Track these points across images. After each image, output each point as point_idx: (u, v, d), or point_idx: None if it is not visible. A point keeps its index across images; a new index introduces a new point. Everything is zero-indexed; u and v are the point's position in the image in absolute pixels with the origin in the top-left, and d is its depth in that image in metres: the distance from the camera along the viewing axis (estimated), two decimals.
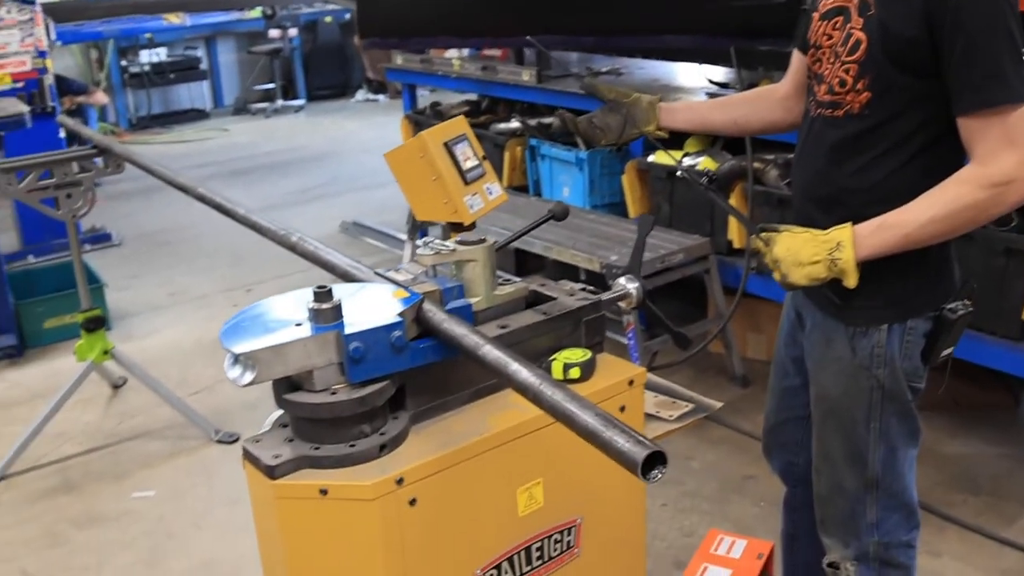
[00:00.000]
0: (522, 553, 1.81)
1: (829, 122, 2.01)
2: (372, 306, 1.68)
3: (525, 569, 1.83)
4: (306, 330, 1.60)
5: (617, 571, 2.01)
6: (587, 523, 1.90)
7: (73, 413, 4.27)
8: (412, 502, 1.63)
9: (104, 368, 4.36)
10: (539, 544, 1.84)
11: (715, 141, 4.24)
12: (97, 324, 4.04)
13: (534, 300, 2.02)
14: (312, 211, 7.65)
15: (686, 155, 4.16)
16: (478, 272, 1.86)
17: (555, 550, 1.87)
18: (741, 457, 3.60)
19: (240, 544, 3.11)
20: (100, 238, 7.32)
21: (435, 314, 1.64)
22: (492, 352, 1.48)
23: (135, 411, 4.36)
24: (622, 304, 2.14)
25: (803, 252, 1.91)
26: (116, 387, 4.57)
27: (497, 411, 1.78)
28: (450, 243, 1.86)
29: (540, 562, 1.85)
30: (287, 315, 1.67)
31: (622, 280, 2.12)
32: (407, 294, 1.71)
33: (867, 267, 1.94)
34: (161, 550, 3.31)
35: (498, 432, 1.72)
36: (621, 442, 1.21)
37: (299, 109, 12.28)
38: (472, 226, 2.44)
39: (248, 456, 1.67)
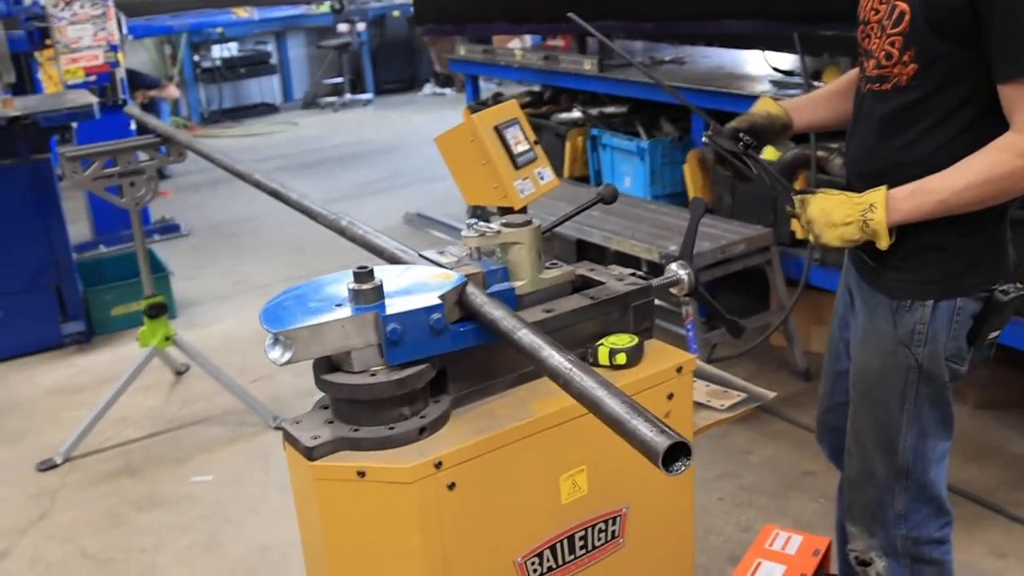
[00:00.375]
0: (565, 542, 1.78)
1: (878, 96, 1.99)
2: (414, 288, 1.66)
3: (568, 558, 1.80)
4: (345, 311, 1.59)
5: (664, 563, 1.97)
6: (633, 513, 1.86)
7: (136, 398, 4.35)
8: (451, 486, 1.61)
9: (167, 355, 4.43)
10: (583, 533, 1.80)
11: None
12: (159, 311, 4.10)
13: (582, 285, 1.99)
14: (377, 203, 7.69)
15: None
16: (523, 255, 1.83)
17: (599, 540, 1.83)
18: (801, 452, 3.51)
19: (295, 529, 3.13)
20: (169, 228, 7.46)
21: (476, 297, 1.61)
22: (527, 336, 1.45)
23: (196, 397, 4.42)
24: (674, 291, 2.10)
25: (836, 213, 1.90)
26: (179, 373, 4.65)
27: (541, 396, 1.75)
28: (495, 225, 1.83)
29: (584, 551, 1.81)
30: (329, 296, 1.66)
31: (674, 266, 2.07)
32: (451, 277, 1.69)
33: (915, 240, 1.92)
34: (219, 534, 3.35)
35: (541, 417, 1.69)
36: (644, 431, 1.18)
37: (367, 103, 12.37)
38: (523, 211, 2.41)
39: (288, 437, 1.67)
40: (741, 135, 2.17)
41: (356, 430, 1.63)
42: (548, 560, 1.77)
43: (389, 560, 1.64)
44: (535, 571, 1.76)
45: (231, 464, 3.83)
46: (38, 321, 5.06)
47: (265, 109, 12.14)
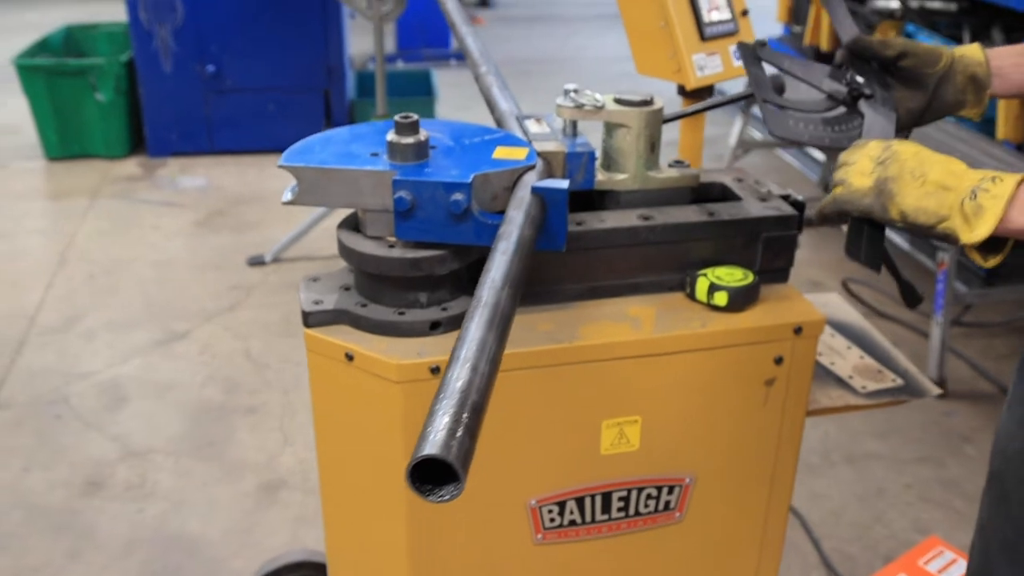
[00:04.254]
0: (598, 497, 1.47)
1: None
2: (472, 159, 1.35)
3: (600, 517, 1.48)
4: (364, 162, 1.32)
5: (734, 556, 1.60)
6: (700, 488, 1.51)
7: None
8: None
9: None
10: (623, 493, 1.48)
11: None
12: None
13: (718, 196, 1.59)
14: None
15: None
16: (629, 142, 1.46)
17: (646, 506, 1.50)
18: None
19: None
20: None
21: (520, 189, 1.28)
22: (499, 254, 1.10)
23: None
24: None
25: (936, 169, 1.16)
26: None
27: (602, 319, 1.41)
28: (602, 97, 1.46)
29: (622, 514, 1.49)
30: (373, 143, 1.39)
31: None
32: (522, 155, 1.36)
33: None
34: None
35: (588, 345, 1.36)
36: (435, 422, 0.83)
37: None
38: (706, 93, 2.00)
39: (300, 294, 1.45)
40: (847, 70, 1.37)
41: (364, 305, 1.39)
42: (572, 512, 1.47)
43: (372, 455, 1.42)
44: (552, 521, 1.47)
45: None
46: (303, 121, 5.18)
47: None
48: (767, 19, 6.57)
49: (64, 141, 5.06)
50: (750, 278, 1.44)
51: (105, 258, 4.03)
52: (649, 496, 1.50)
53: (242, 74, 5.04)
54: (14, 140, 5.38)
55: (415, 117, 1.33)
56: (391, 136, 1.33)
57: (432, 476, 0.80)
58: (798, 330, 1.44)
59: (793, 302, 1.48)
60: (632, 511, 1.49)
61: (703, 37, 1.87)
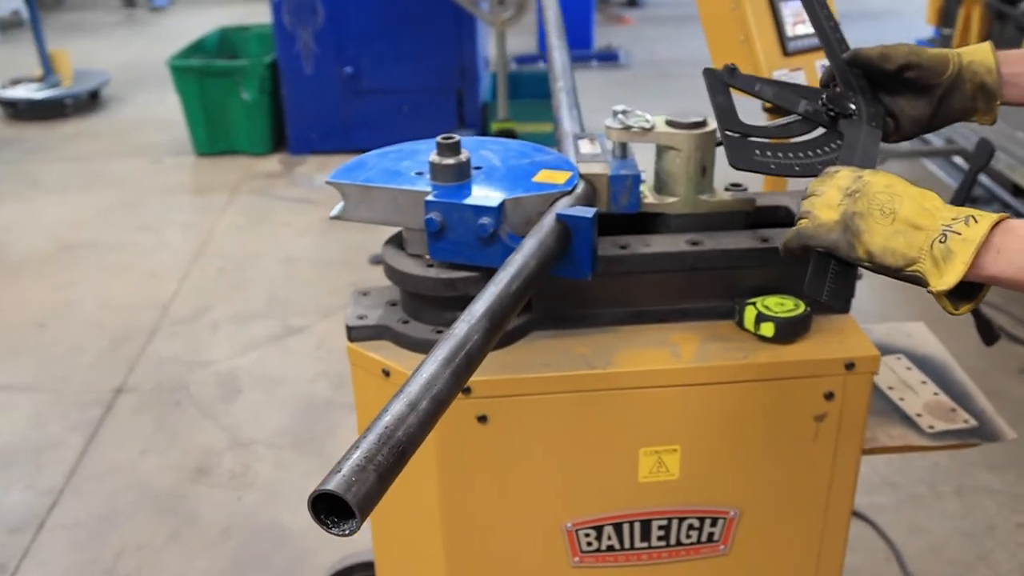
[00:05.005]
0: (636, 524, 1.45)
1: None
2: (514, 180, 1.36)
3: (639, 544, 1.46)
4: (405, 182, 1.34)
5: None
6: (746, 521, 1.46)
7: None
8: (481, 418, 1.35)
9: None
10: (663, 522, 1.45)
11: None
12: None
13: (784, 219, 1.53)
14: None
15: None
16: (679, 165, 1.43)
17: (688, 537, 1.47)
18: None
19: None
20: (608, 57, 7.37)
21: (548, 214, 1.27)
22: (493, 286, 1.09)
23: None
24: None
25: (908, 205, 1.05)
26: None
27: (642, 346, 1.39)
28: (653, 118, 1.43)
29: (662, 543, 1.47)
30: (424, 162, 1.41)
31: None
32: (562, 179, 1.35)
33: None
34: None
35: (621, 372, 1.35)
36: (349, 461, 0.82)
37: None
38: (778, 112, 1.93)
39: (348, 308, 1.50)
40: (833, 85, 1.30)
41: (406, 323, 1.41)
42: (610, 538, 1.45)
43: (408, 473, 1.43)
44: (590, 545, 1.46)
45: None
46: (436, 121, 5.27)
47: None
48: (918, 20, 6.27)
49: (212, 138, 5.33)
50: (801, 308, 1.39)
51: (238, 252, 4.23)
52: (691, 527, 1.46)
53: (378, 76, 5.18)
54: (170, 135, 5.70)
55: (456, 138, 1.35)
56: (433, 157, 1.35)
57: (339, 509, 0.81)
58: (850, 365, 1.38)
59: (847, 335, 1.42)
60: (673, 540, 1.47)
61: (786, 52, 1.81)
